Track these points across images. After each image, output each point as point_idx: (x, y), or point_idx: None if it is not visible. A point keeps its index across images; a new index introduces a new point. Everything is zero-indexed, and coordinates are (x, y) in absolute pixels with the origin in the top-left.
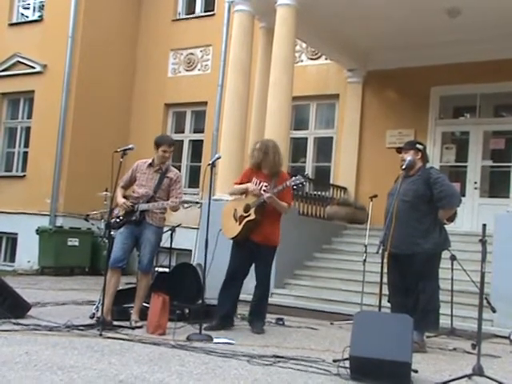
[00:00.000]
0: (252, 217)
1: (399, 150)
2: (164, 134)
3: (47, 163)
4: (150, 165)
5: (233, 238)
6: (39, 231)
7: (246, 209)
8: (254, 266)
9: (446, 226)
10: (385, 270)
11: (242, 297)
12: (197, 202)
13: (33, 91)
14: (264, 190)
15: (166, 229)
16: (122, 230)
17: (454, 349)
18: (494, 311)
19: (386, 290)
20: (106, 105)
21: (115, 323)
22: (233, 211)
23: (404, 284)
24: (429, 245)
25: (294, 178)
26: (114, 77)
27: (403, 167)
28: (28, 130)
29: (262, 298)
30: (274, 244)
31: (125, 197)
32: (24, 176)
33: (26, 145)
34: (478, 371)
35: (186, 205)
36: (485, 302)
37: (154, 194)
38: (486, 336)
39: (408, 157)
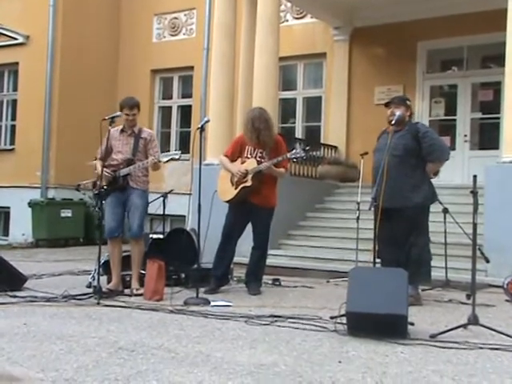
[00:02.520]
0: (249, 183)
1: (388, 105)
2: (127, 97)
3: (36, 135)
4: (122, 130)
5: (227, 202)
6: (31, 204)
7: (243, 176)
8: (251, 227)
9: (435, 180)
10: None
11: (237, 259)
12: (175, 155)
13: (17, 63)
14: (260, 157)
15: (157, 196)
16: (109, 199)
17: (450, 300)
18: (487, 261)
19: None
20: (91, 73)
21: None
22: (230, 175)
23: (395, 239)
24: (419, 198)
25: (294, 150)
26: (99, 45)
27: (393, 122)
28: (14, 102)
29: (259, 260)
30: (273, 206)
31: (105, 167)
32: (13, 149)
33: (13, 118)
34: (474, 320)
35: (165, 158)
36: (478, 252)
37: (133, 157)
38: (480, 286)
39: (398, 111)
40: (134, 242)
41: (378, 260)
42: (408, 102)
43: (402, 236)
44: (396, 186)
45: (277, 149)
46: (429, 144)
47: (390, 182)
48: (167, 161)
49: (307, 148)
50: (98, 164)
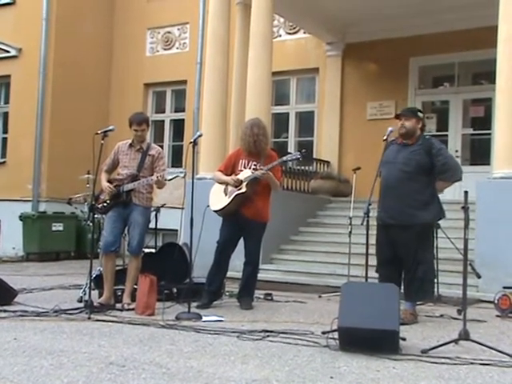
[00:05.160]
0: (243, 190)
1: (398, 117)
2: (136, 112)
3: (27, 148)
4: (131, 145)
5: (220, 210)
6: (22, 217)
7: (238, 184)
8: (243, 242)
9: None
10: (371, 241)
11: (229, 274)
12: (181, 172)
13: (9, 76)
14: (254, 168)
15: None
16: (111, 213)
17: (441, 315)
18: (478, 277)
19: (371, 261)
20: (84, 87)
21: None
22: (223, 187)
23: (394, 255)
24: (428, 216)
25: (291, 154)
26: (91, 58)
27: (401, 133)
28: (6, 115)
29: (251, 275)
30: (265, 220)
31: (109, 181)
32: (4, 162)
33: (5, 130)
34: (465, 336)
35: (169, 176)
36: (469, 268)
37: (137, 173)
38: (471, 302)
39: (407, 124)
40: (132, 258)
41: (370, 275)
42: (420, 114)
43: (406, 253)
44: (405, 202)
45: (270, 162)
46: (442, 163)
47: (396, 197)
48: (171, 179)
49: (303, 150)
50: (104, 176)
